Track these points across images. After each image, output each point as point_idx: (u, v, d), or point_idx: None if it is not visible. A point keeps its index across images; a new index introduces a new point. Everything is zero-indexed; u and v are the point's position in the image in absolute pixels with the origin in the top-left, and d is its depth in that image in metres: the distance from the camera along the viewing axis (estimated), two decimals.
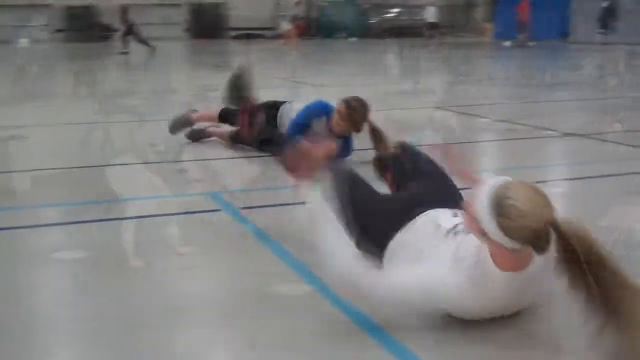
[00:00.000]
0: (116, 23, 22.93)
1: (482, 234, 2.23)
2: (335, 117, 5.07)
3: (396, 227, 2.75)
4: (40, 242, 3.55)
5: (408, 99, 9.98)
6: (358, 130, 5.02)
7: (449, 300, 2.32)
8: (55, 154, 5.73)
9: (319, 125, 5.19)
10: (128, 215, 3.88)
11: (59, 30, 30.81)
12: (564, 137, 6.50)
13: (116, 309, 2.69)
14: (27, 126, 7.19)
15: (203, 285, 2.96)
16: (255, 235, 3.48)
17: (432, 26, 23.35)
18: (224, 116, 5.91)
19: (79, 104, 9.22)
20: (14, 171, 5.12)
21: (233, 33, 33.49)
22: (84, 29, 30.16)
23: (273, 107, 5.73)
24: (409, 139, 3.77)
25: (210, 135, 6.04)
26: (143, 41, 20.89)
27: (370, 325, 2.45)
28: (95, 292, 2.88)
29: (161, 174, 5.01)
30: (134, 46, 20.70)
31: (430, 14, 23.33)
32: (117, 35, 22.72)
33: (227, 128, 5.93)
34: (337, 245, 2.39)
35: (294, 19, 23.02)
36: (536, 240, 2.14)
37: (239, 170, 5.09)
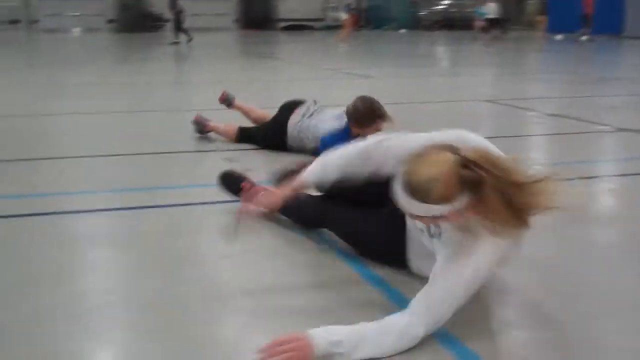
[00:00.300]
0: (167, 14, 23.16)
1: (438, 219, 2.24)
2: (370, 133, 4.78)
3: (400, 243, 2.78)
4: (88, 228, 3.60)
5: (456, 91, 9.89)
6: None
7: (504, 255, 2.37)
8: (98, 142, 5.81)
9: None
10: (180, 202, 3.94)
11: (111, 21, 31.25)
12: (618, 132, 6.37)
13: (163, 294, 2.71)
14: (75, 113, 7.33)
15: (249, 273, 2.97)
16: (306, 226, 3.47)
17: (493, 22, 22.73)
18: (244, 137, 5.55)
19: (120, 93, 9.35)
20: (72, 157, 5.23)
21: (282, 24, 33.62)
22: (136, 19, 30.56)
23: (286, 110, 5.34)
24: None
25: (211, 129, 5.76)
26: (184, 30, 21.09)
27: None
28: (140, 278, 2.91)
29: (209, 163, 5.05)
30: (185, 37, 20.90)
31: (491, 10, 22.72)
32: (168, 25, 22.97)
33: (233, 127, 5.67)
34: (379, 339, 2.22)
35: (349, 9, 22.60)
36: (465, 182, 2.14)
37: (282, 160, 5.07)
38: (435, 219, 2.23)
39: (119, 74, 13.04)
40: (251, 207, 3.03)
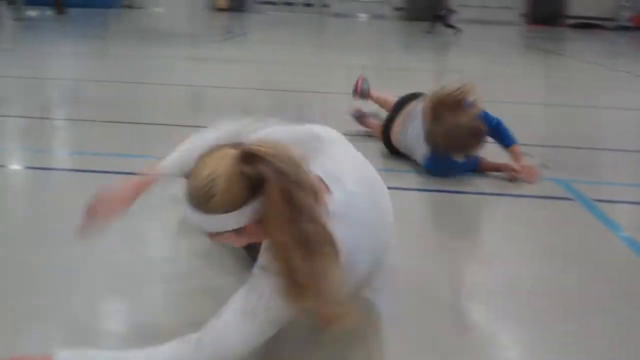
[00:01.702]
0: (450, 5, 22.90)
1: (223, 235, 1.86)
2: None
3: None
4: None
5: None
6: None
7: None
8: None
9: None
10: None
11: (399, 9, 31.80)
12: None
13: None
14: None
15: None
16: None
17: None
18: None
19: (387, 77, 9.40)
20: None
21: (571, 21, 32.04)
22: (421, 8, 30.83)
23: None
24: None
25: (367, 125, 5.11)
26: (449, 25, 20.79)
27: None
28: None
29: None
30: (465, 27, 20.64)
31: None
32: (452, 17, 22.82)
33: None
34: None
35: None
36: (248, 181, 1.74)
37: None
38: (219, 235, 1.83)
39: (392, 59, 13.21)
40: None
